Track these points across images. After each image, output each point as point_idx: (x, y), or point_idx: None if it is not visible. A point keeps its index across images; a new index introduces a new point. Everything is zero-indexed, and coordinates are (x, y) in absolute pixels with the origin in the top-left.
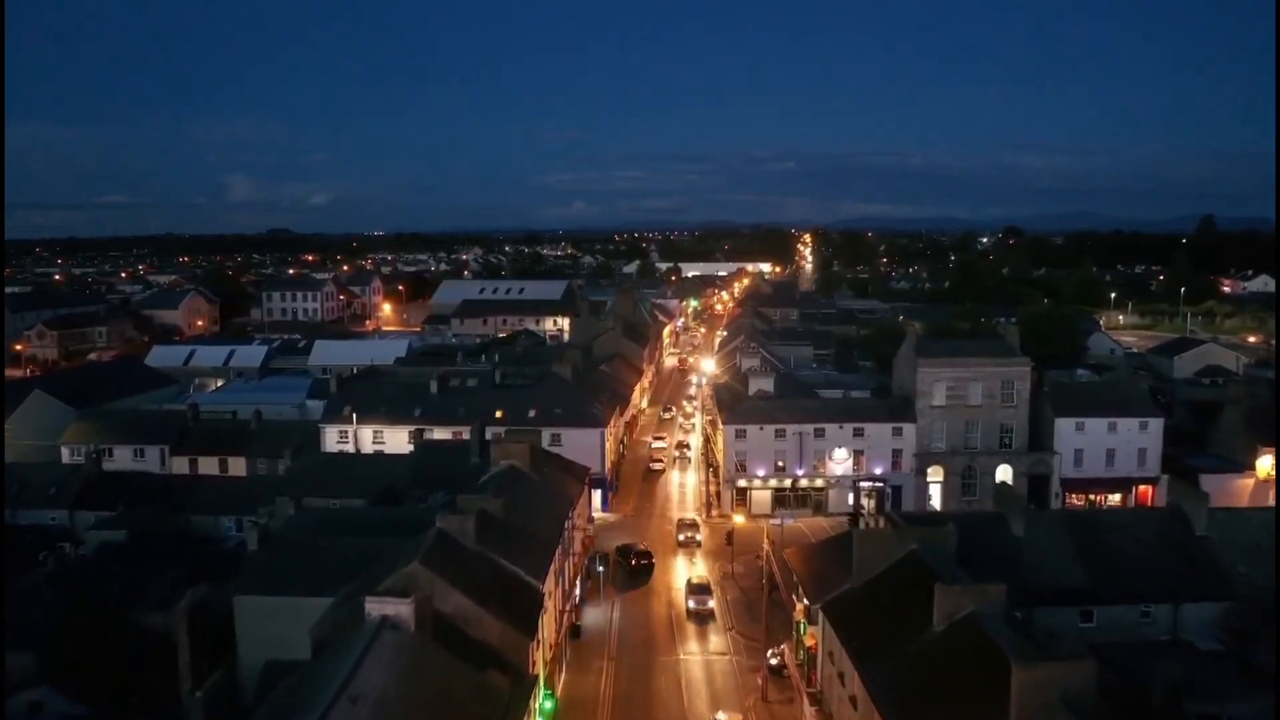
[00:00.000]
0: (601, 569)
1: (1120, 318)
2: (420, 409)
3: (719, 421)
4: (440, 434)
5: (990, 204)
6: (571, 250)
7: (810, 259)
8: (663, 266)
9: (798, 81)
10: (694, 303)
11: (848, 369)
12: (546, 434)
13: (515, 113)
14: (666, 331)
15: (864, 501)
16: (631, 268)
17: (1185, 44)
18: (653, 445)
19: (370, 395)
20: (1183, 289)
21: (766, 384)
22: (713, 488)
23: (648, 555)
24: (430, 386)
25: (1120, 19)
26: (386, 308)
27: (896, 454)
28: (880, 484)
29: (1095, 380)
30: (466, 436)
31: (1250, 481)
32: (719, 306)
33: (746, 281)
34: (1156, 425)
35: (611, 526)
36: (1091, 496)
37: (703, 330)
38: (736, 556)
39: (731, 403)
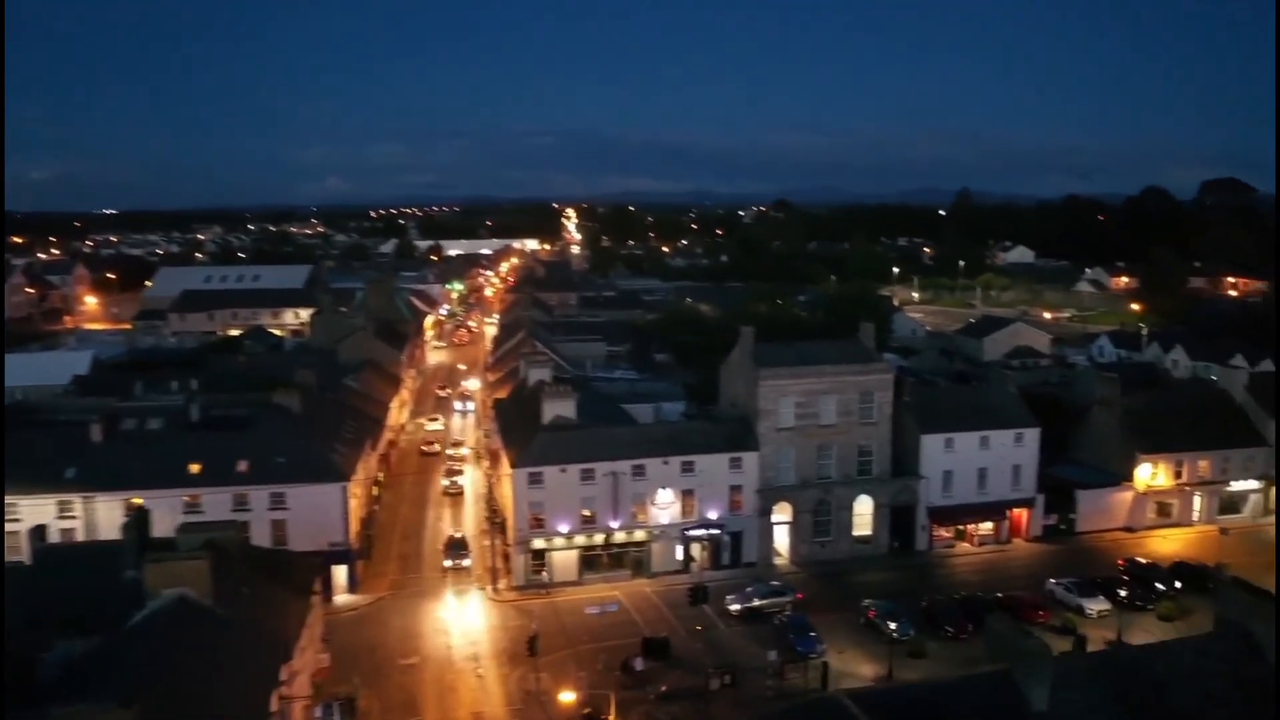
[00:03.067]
0: None
1: (915, 294)
2: (75, 468)
3: (504, 462)
4: (106, 504)
5: (744, 178)
6: (323, 229)
7: (578, 235)
8: (423, 245)
9: (552, 57)
10: (458, 286)
11: (647, 367)
12: (264, 494)
13: (260, 85)
14: (429, 322)
15: (695, 555)
16: (388, 247)
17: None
18: (427, 427)
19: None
20: (961, 262)
21: (566, 407)
22: (499, 549)
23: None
24: (92, 433)
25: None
26: (91, 301)
27: (735, 491)
28: (716, 531)
29: (960, 385)
30: (123, 530)
31: (1129, 495)
32: (488, 290)
33: (515, 260)
34: (1032, 436)
35: (362, 620)
36: (961, 527)
37: (473, 323)
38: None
39: (521, 437)
